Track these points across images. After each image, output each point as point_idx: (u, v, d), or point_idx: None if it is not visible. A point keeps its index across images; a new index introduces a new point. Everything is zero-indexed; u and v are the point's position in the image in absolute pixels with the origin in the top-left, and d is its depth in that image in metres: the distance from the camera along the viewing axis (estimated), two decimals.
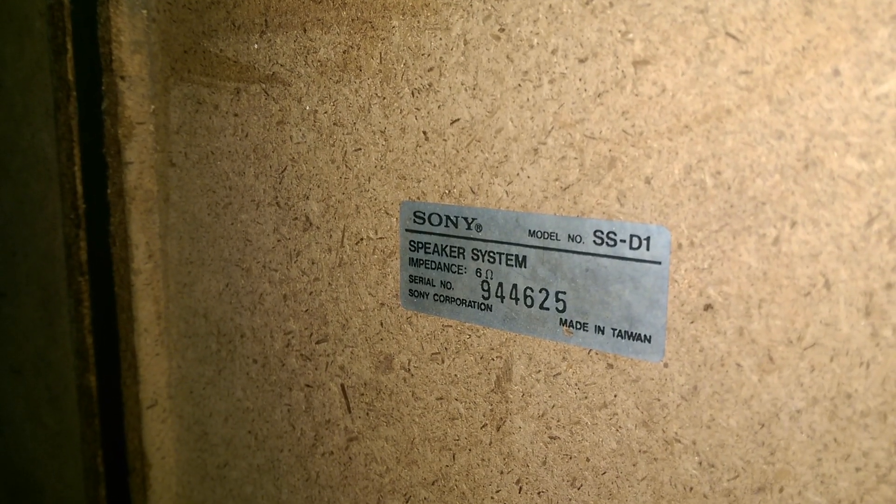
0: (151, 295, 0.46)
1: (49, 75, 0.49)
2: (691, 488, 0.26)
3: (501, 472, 0.32)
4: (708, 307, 0.25)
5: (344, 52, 0.34)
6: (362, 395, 0.37)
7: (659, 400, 0.27)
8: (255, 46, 0.38)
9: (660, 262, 0.26)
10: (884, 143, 0.22)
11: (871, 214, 0.22)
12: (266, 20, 0.37)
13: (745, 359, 0.25)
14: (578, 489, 0.29)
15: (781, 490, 0.24)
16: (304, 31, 0.36)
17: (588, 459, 0.29)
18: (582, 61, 0.27)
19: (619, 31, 0.26)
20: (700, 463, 0.26)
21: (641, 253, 0.26)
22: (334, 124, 0.35)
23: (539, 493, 0.31)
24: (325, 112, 0.35)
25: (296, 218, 0.38)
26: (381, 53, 0.33)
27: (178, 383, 0.46)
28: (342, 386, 0.37)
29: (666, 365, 0.26)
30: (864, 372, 0.23)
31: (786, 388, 0.24)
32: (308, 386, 0.39)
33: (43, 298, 0.55)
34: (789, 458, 0.24)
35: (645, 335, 0.27)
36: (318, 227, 0.37)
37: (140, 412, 0.47)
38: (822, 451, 0.24)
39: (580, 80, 0.27)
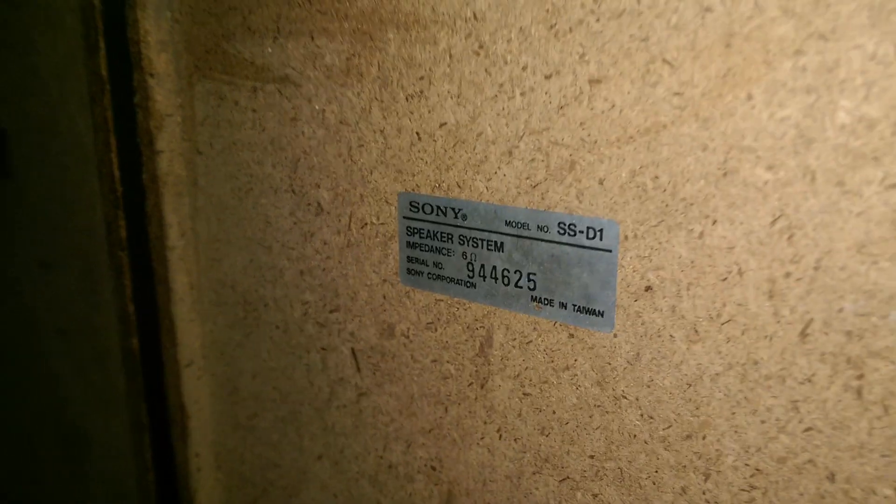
0: (185, 268, 0.52)
1: (83, 67, 0.54)
2: (635, 436, 0.32)
3: (485, 423, 0.38)
4: (648, 288, 0.30)
5: (347, 59, 0.39)
6: (370, 357, 0.42)
7: (609, 364, 0.32)
8: (269, 50, 0.43)
9: (610, 251, 0.31)
10: (786, 157, 0.26)
11: (774, 215, 0.27)
12: (278, 27, 0.42)
13: (676, 331, 0.30)
14: (547, 436, 0.35)
15: (704, 437, 0.30)
16: (312, 38, 0.40)
17: (554, 412, 0.34)
18: (547, 77, 0.32)
19: (578, 54, 0.31)
20: (642, 415, 0.31)
21: (596, 242, 0.31)
22: (340, 122, 0.40)
23: (515, 440, 0.36)
24: (332, 112, 0.40)
25: (309, 204, 0.43)
26: (378, 62, 0.38)
27: (211, 345, 0.52)
28: (352, 349, 0.43)
29: (615, 335, 0.32)
30: (767, 343, 0.28)
31: (707, 356, 0.29)
32: (323, 349, 0.45)
33: (84, 269, 0.61)
34: (710, 412, 0.30)
35: (599, 310, 0.32)
36: (328, 213, 0.42)
37: (179, 371, 0.53)
38: (735, 406, 0.29)
39: (546, 93, 0.32)
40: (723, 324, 0.29)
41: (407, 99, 0.37)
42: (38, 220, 0.65)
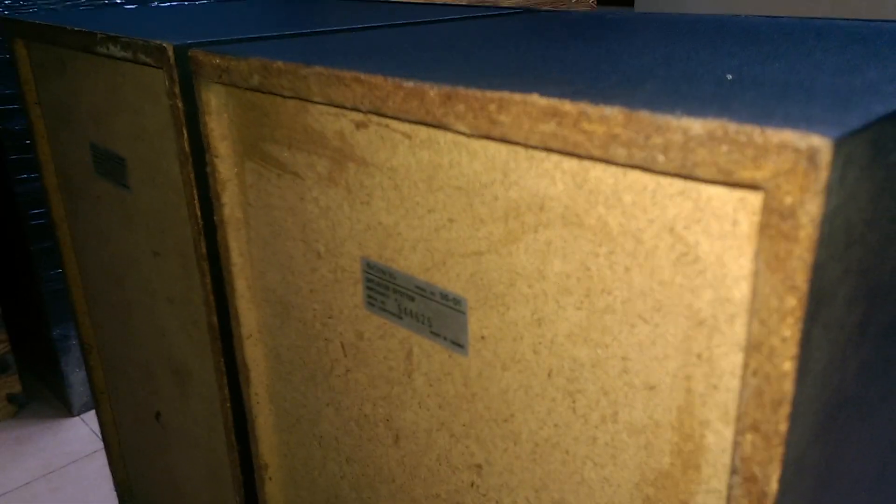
0: (243, 276, 0.78)
1: (173, 140, 0.79)
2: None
3: (412, 395, 0.63)
4: (482, 337, 0.54)
5: (329, 171, 0.63)
6: (350, 348, 0.68)
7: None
8: (285, 154, 0.67)
9: (464, 313, 0.55)
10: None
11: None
12: (290, 143, 0.66)
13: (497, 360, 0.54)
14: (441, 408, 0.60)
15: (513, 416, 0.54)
16: (309, 154, 0.64)
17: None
18: (430, 212, 0.55)
19: (443, 202, 0.53)
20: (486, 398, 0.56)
21: (456, 306, 0.55)
22: (327, 207, 0.64)
23: (439, 405, 0.62)
24: (322, 200, 0.64)
25: (313, 251, 0.68)
26: (346, 178, 0.61)
27: (262, 326, 0.80)
28: (341, 343, 0.69)
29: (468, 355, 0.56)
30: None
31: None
32: (325, 339, 0.71)
33: (182, 262, 0.89)
34: (510, 398, 0.54)
35: (460, 343, 0.56)
36: (324, 258, 0.67)
37: (242, 340, 0.81)
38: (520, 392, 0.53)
39: (431, 219, 0.55)
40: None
41: (360, 203, 0.61)
42: (150, 221, 0.93)
